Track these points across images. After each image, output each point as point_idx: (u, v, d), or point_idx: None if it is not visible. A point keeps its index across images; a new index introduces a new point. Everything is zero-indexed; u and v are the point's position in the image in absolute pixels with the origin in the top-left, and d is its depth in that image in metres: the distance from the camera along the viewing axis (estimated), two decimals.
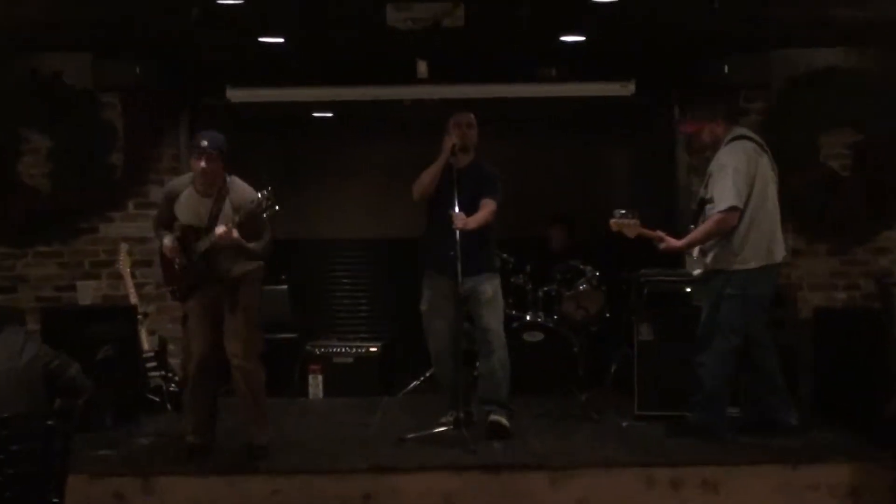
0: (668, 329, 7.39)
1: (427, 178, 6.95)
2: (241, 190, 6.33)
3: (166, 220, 6.48)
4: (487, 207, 6.93)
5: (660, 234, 6.74)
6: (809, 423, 6.98)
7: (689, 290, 7.44)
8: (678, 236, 6.81)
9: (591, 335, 8.71)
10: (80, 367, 5.49)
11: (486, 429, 6.89)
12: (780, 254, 6.73)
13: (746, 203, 6.53)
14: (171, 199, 6.41)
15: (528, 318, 8.60)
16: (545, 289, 8.73)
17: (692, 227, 6.80)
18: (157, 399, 7.85)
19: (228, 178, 6.34)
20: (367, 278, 10.99)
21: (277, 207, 6.10)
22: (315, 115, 10.39)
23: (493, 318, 7.04)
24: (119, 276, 8.26)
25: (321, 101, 9.28)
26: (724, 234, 6.55)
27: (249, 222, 6.15)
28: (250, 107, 8.86)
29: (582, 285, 8.61)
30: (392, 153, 10.43)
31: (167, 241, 6.38)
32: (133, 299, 8.06)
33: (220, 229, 6.14)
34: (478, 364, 7.15)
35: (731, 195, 6.48)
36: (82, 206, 8.53)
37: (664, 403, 7.29)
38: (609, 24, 7.62)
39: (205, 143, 6.20)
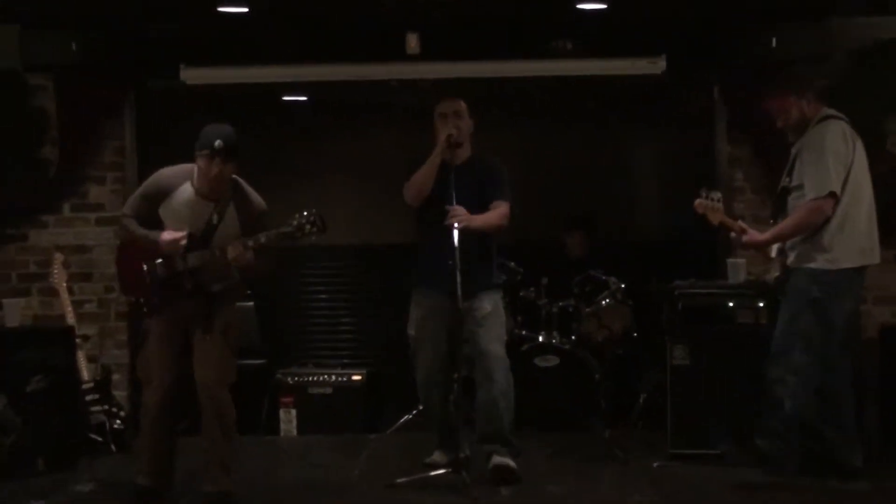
0: (706, 351, 7.37)
1: (420, 179, 6.94)
2: (250, 194, 6.39)
3: (143, 218, 6.40)
4: (498, 211, 6.92)
5: (741, 224, 6.80)
6: (876, 462, 6.96)
7: (731, 304, 7.42)
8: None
9: (616, 359, 8.71)
10: (7, 402, 5.46)
11: (489, 473, 6.86)
12: (876, 255, 6.73)
13: (842, 192, 6.53)
14: (162, 196, 6.34)
15: (540, 339, 8.60)
16: (561, 304, 8.72)
17: (772, 221, 6.81)
18: (100, 438, 7.81)
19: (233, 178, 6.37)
20: (350, 293, 10.96)
21: (323, 232, 6.20)
22: (286, 98, 10.38)
23: (492, 338, 7.01)
24: (53, 293, 8.23)
25: (293, 82, 9.26)
26: (816, 226, 6.53)
27: (270, 245, 6.19)
28: (208, 89, 8.83)
29: (604, 300, 8.62)
30: (377, 143, 10.43)
31: (167, 235, 6.25)
32: (70, 320, 8.01)
33: (234, 251, 6.14)
34: (476, 395, 7.11)
35: (829, 180, 6.47)
36: (8, 209, 8.50)
37: (703, 440, 7.28)
38: None
39: (219, 142, 6.15)
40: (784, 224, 6.67)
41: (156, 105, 9.02)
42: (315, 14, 8.11)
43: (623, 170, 11.08)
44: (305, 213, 6.19)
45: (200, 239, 6.28)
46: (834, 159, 6.50)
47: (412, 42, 8.30)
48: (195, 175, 6.31)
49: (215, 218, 6.29)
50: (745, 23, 8.19)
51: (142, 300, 6.45)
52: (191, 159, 6.31)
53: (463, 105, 7.08)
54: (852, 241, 6.57)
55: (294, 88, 9.96)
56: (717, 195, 6.72)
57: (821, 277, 6.55)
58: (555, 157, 10.64)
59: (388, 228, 10.06)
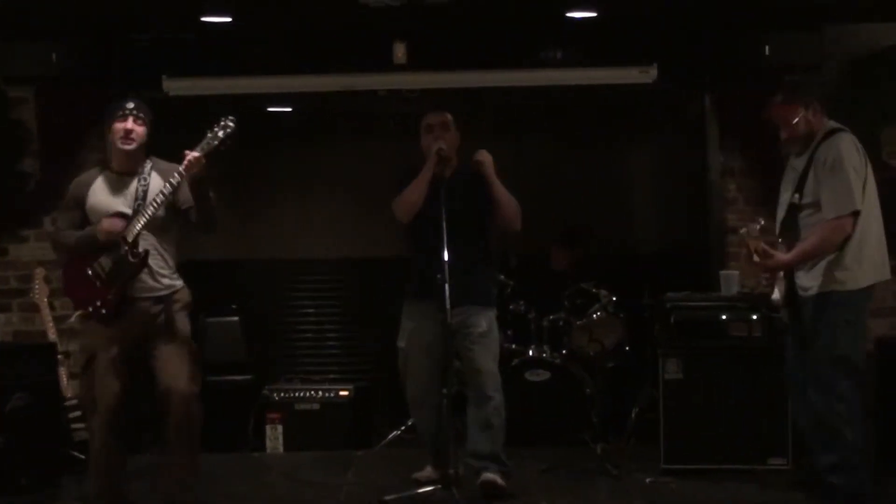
0: (700, 365, 7.44)
1: (411, 196, 6.98)
2: (166, 164, 6.44)
3: (78, 228, 6.42)
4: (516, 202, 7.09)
5: (763, 246, 6.59)
6: (873, 480, 6.97)
7: (724, 317, 7.47)
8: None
9: (608, 373, 8.73)
10: None
11: (478, 489, 6.89)
12: (888, 270, 6.69)
13: None
14: (82, 195, 6.38)
15: (530, 353, 8.65)
16: (551, 317, 8.78)
17: (780, 240, 6.75)
18: (83, 456, 7.79)
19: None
20: (337, 307, 10.94)
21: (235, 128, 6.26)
22: (270, 109, 10.40)
23: (487, 355, 7.06)
24: (34, 308, 8.27)
25: (278, 92, 9.28)
26: (838, 245, 6.42)
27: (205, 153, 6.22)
28: (192, 101, 8.86)
29: (596, 313, 8.63)
30: (364, 154, 10.41)
31: (106, 222, 6.25)
32: (51, 335, 8.06)
33: (192, 154, 6.14)
34: (468, 411, 7.15)
35: (852, 197, 6.39)
36: None
37: (696, 455, 7.37)
38: None
39: (130, 104, 6.33)
40: (807, 244, 6.49)
41: None
42: (301, 23, 8.14)
43: (614, 180, 11.01)
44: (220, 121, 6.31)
45: (136, 213, 6.27)
46: (854, 175, 6.40)
47: (399, 52, 8.34)
48: (108, 158, 6.42)
49: (142, 186, 6.34)
50: (737, 31, 8.23)
51: (98, 303, 6.26)
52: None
53: (449, 117, 7.15)
54: (870, 258, 6.51)
55: (279, 99, 9.97)
56: (761, 222, 6.64)
57: (847, 300, 6.46)
58: (543, 168, 10.63)
59: (376, 241, 10.07)
